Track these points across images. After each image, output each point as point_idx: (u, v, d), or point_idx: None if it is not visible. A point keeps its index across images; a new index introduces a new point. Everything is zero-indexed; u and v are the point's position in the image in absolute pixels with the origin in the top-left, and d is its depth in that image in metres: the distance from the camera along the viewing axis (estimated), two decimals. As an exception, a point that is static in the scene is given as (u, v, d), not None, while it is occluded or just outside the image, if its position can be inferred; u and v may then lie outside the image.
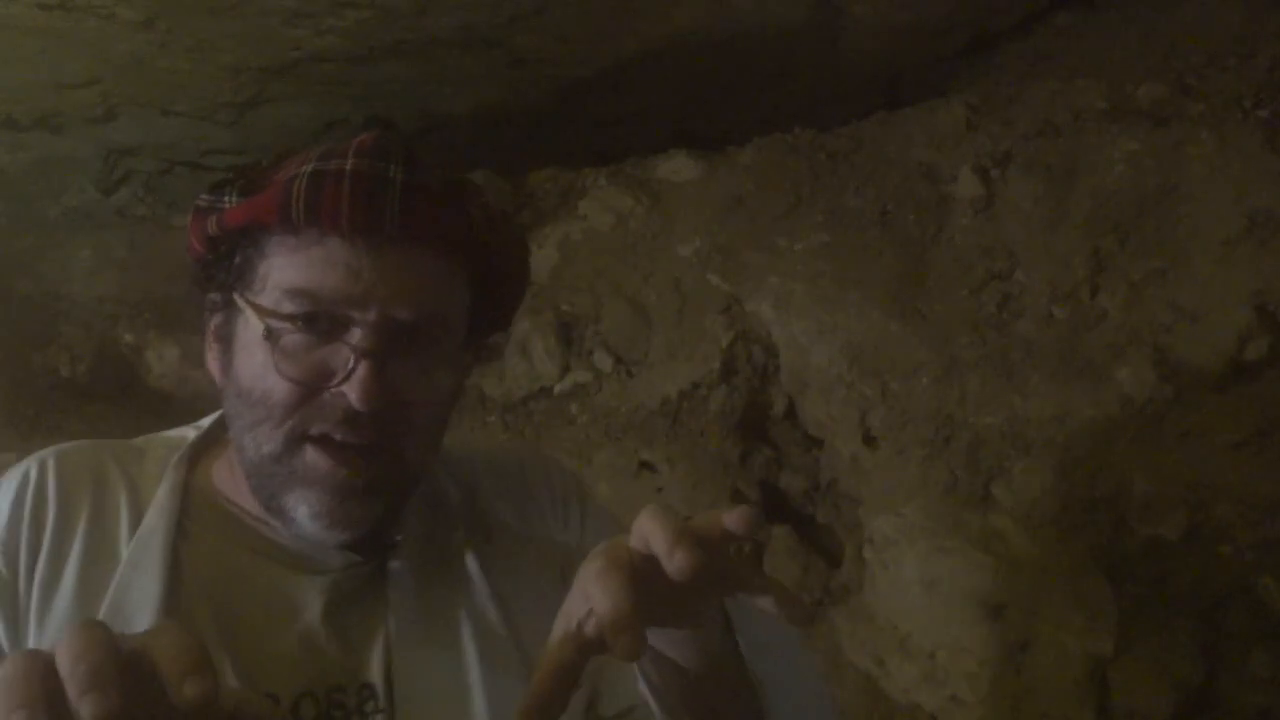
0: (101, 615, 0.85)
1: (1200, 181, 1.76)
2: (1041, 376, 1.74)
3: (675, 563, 0.64)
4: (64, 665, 0.54)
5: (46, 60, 1.81)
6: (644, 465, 1.88)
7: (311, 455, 0.85)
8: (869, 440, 1.81)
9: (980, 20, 2.11)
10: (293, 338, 0.84)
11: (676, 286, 2.00)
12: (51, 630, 0.86)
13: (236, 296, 0.88)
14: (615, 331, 2.01)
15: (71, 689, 0.53)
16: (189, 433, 1.00)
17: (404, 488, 0.91)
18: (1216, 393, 1.68)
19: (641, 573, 0.67)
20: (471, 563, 0.97)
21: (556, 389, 2.02)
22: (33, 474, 0.93)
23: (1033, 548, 1.64)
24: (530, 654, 0.91)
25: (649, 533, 0.67)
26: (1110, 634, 1.58)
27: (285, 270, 0.85)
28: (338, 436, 0.85)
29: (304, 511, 0.86)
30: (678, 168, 2.12)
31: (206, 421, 1.01)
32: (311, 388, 0.84)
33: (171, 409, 2.03)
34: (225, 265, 0.89)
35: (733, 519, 0.68)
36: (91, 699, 0.53)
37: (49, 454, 0.95)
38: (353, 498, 0.86)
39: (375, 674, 0.89)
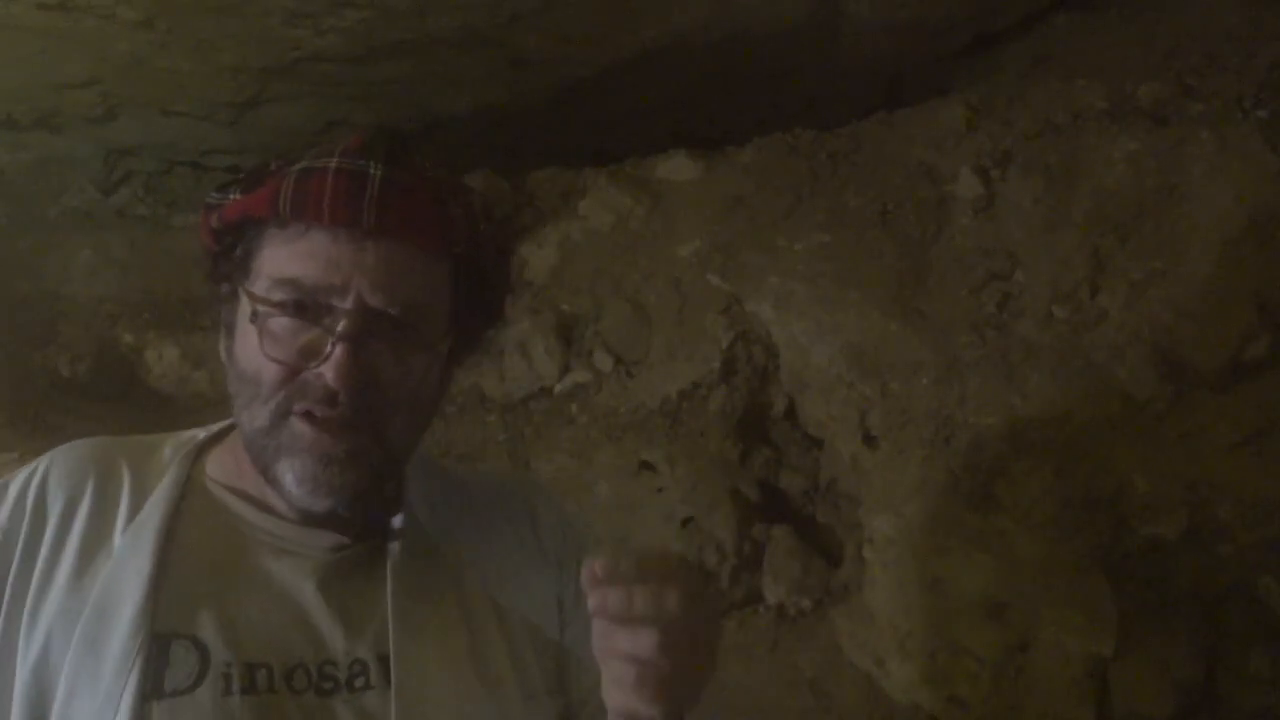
0: (93, 599, 0.92)
1: (1200, 181, 1.76)
2: (1041, 376, 1.73)
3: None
4: None
5: (46, 60, 1.82)
6: (644, 465, 1.88)
7: (296, 426, 0.93)
8: (869, 440, 1.81)
9: (980, 20, 2.11)
10: (279, 321, 0.93)
11: (676, 286, 2.00)
12: (45, 616, 0.92)
13: (239, 287, 0.95)
14: (615, 331, 2.01)
15: None
16: (200, 433, 1.07)
17: (384, 465, 0.97)
18: (1216, 393, 1.68)
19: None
20: (467, 556, 1.03)
21: (556, 389, 2.02)
22: (39, 471, 1.00)
23: (1033, 548, 1.64)
24: (514, 643, 1.00)
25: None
26: (1110, 634, 1.58)
27: (274, 261, 0.93)
28: (318, 413, 0.92)
29: (291, 478, 0.93)
30: (678, 168, 2.12)
31: (218, 425, 1.07)
32: (295, 368, 0.92)
33: (171, 409, 2.03)
34: (229, 258, 0.97)
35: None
36: None
37: (58, 451, 1.02)
38: (334, 464, 0.93)
39: (368, 651, 0.95)
